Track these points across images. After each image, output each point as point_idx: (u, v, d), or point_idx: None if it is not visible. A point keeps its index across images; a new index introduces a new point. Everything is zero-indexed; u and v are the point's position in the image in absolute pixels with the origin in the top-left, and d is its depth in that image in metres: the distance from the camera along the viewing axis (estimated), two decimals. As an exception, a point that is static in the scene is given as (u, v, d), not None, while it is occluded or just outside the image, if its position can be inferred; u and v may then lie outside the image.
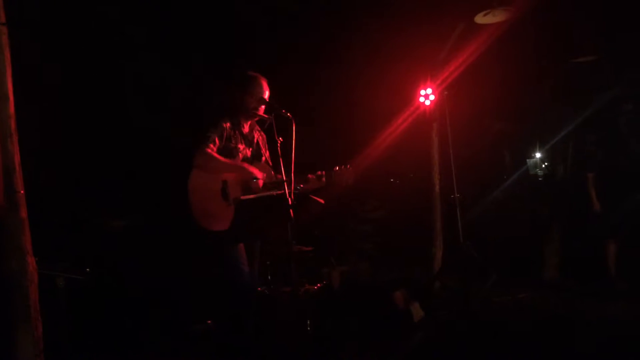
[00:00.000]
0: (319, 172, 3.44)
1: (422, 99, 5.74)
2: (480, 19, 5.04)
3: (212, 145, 3.24)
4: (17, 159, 2.60)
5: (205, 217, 3.20)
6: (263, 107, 3.42)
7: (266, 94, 3.46)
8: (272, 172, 3.44)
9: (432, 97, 5.69)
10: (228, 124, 3.37)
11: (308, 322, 3.78)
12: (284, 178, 3.04)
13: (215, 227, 3.19)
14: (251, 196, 3.28)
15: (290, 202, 2.96)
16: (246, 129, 3.52)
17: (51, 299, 3.19)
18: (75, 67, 4.67)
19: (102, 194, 4.97)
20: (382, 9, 5.25)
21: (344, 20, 5.53)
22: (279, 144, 3.12)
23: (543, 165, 8.88)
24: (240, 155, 3.44)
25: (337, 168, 3.43)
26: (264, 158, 3.55)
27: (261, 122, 3.57)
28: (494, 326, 4.41)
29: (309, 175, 3.41)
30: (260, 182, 3.30)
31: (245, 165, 3.33)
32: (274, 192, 3.27)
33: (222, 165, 3.24)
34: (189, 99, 5.35)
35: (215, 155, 3.24)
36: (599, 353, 3.64)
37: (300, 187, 3.50)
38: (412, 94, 5.84)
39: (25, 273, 2.59)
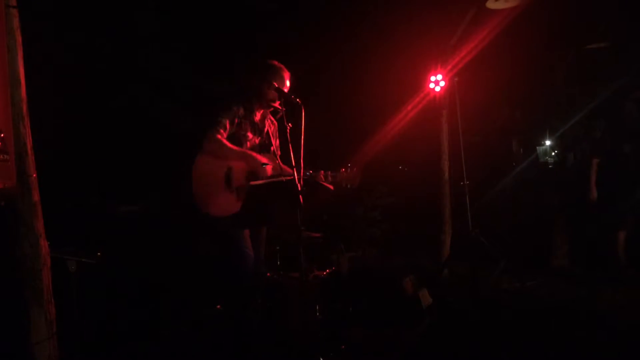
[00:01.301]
0: (324, 172, 3.43)
1: (432, 85, 5.70)
2: (492, 4, 4.98)
3: (222, 131, 3.25)
4: (29, 142, 2.61)
5: (204, 201, 3.22)
6: (282, 98, 3.32)
7: (287, 85, 3.43)
8: (280, 163, 3.43)
9: (442, 84, 5.65)
10: (241, 110, 3.36)
11: (317, 308, 3.80)
12: (293, 164, 3.05)
13: (213, 212, 3.21)
14: (260, 182, 3.28)
15: (299, 188, 2.97)
16: (258, 117, 3.51)
17: (63, 282, 3.23)
18: (87, 52, 4.68)
19: (113, 178, 5.00)
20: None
21: (354, 6, 5.50)
22: (288, 130, 3.12)
23: (553, 153, 8.81)
24: (248, 143, 3.44)
25: (344, 170, 3.44)
26: (272, 148, 3.54)
27: (274, 112, 3.57)
28: (502, 313, 4.42)
29: (315, 176, 3.40)
30: (269, 168, 3.29)
31: (254, 153, 3.32)
32: (283, 178, 3.28)
33: (230, 152, 3.24)
34: (197, 86, 5.36)
35: (225, 141, 3.24)
36: (606, 340, 3.63)
37: (309, 173, 3.51)
38: (422, 80, 5.80)
39: (39, 256, 2.62)
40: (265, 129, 3.58)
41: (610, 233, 5.32)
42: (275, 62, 3.46)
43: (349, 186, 3.45)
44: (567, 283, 5.18)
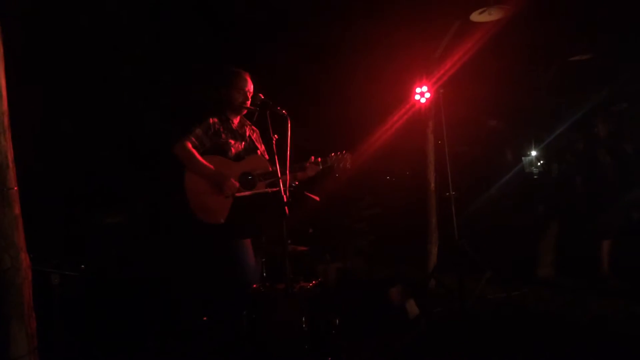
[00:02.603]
0: (314, 158, 3.52)
1: (417, 97, 5.74)
2: (476, 17, 5.03)
3: (193, 139, 3.26)
4: (10, 155, 2.59)
5: (203, 210, 3.22)
6: (249, 100, 3.46)
7: (251, 87, 3.50)
8: (268, 165, 3.45)
9: (427, 95, 5.69)
10: (215, 120, 3.39)
11: (303, 319, 3.77)
12: (280, 176, 3.06)
13: (213, 220, 3.21)
14: (246, 193, 3.28)
15: (285, 199, 2.97)
16: (235, 124, 3.53)
17: (45, 295, 3.18)
18: (69, 63, 4.65)
19: (97, 190, 4.96)
20: (378, 6, 5.24)
21: (339, 18, 5.53)
22: (274, 141, 3.12)
23: (538, 163, 8.89)
24: (232, 149, 3.44)
25: (333, 154, 3.54)
26: (259, 152, 3.56)
27: (250, 116, 3.59)
28: (489, 323, 4.43)
29: (306, 163, 3.45)
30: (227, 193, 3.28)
31: (217, 172, 3.28)
32: (269, 190, 3.28)
33: (195, 164, 3.24)
34: (184, 96, 5.35)
35: (194, 153, 3.25)
36: (590, 350, 3.65)
37: (295, 184, 3.52)
38: (408, 92, 5.84)
39: (19, 270, 2.58)
40: (247, 134, 3.59)
41: (594, 243, 5.37)
42: (233, 67, 3.54)
43: (342, 169, 3.54)
44: (552, 293, 5.20)
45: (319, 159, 3.53)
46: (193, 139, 3.27)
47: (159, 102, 5.32)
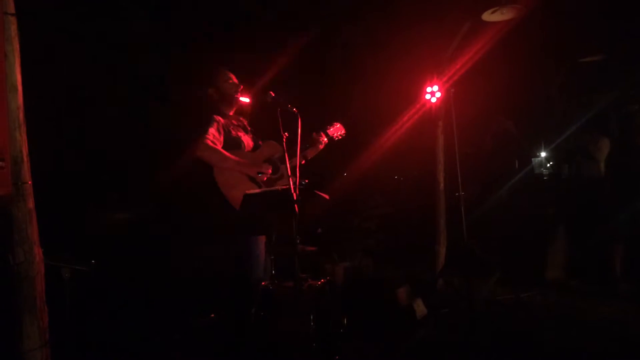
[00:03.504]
0: (315, 134, 3.70)
1: (428, 97, 5.72)
2: (487, 16, 5.01)
3: (209, 137, 3.27)
4: (25, 149, 2.61)
5: (239, 198, 3.22)
6: (240, 88, 3.54)
7: (235, 79, 3.58)
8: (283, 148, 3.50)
9: (438, 95, 5.67)
10: (219, 117, 3.41)
11: (311, 318, 3.78)
12: (289, 173, 3.06)
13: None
14: (256, 190, 3.29)
15: (295, 197, 2.98)
16: (234, 120, 3.57)
17: (57, 289, 3.21)
18: (84, 59, 4.69)
19: (108, 186, 4.99)
20: (389, 6, 5.24)
21: (350, 17, 5.53)
22: (284, 139, 3.13)
23: (548, 165, 8.84)
24: (244, 142, 3.47)
25: (329, 126, 3.82)
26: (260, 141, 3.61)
27: (243, 113, 3.64)
28: (497, 324, 4.41)
29: (314, 137, 3.64)
30: (265, 177, 3.34)
31: (248, 161, 3.34)
32: (279, 188, 3.29)
33: (226, 160, 3.25)
34: (190, 95, 5.38)
35: (219, 148, 3.26)
36: (599, 354, 3.63)
37: (305, 182, 3.53)
38: (418, 91, 5.82)
39: (32, 263, 2.60)
40: (246, 125, 3.64)
41: (606, 246, 5.34)
42: (212, 65, 3.63)
43: (339, 137, 3.87)
44: (561, 295, 5.18)
45: (321, 133, 3.73)
46: (211, 137, 3.28)
47: (168, 100, 5.34)
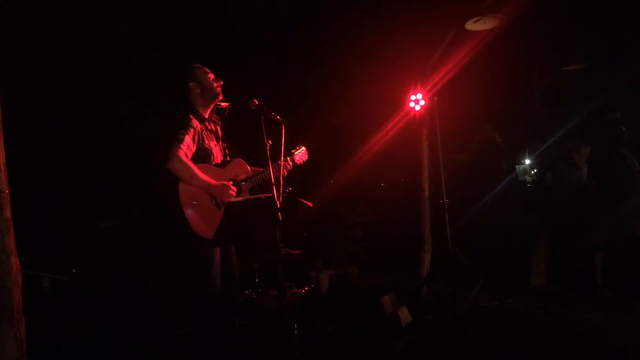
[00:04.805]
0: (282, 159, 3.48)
1: (412, 104, 5.75)
2: (470, 25, 5.06)
3: (183, 147, 3.11)
4: (2, 158, 2.58)
5: (201, 226, 3.14)
6: (221, 83, 3.41)
7: (212, 75, 3.45)
8: (248, 169, 3.45)
9: (422, 103, 5.71)
10: (195, 121, 3.30)
11: (295, 326, 3.77)
12: (273, 181, 3.05)
13: (208, 234, 3.16)
14: (239, 198, 3.27)
15: (278, 205, 2.96)
16: (210, 125, 3.47)
17: (36, 299, 3.16)
18: (64, 68, 4.64)
19: (89, 195, 4.94)
20: (373, 14, 5.27)
21: (334, 26, 5.55)
22: (268, 147, 3.12)
23: (532, 172, 8.93)
24: (213, 154, 3.36)
25: (294, 151, 3.73)
26: (227, 150, 3.53)
27: (220, 112, 3.55)
28: (481, 331, 4.42)
29: (279, 162, 3.40)
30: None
31: (215, 183, 3.20)
32: (262, 196, 3.27)
33: (194, 178, 3.12)
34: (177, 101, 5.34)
35: (189, 162, 3.14)
36: None
37: (288, 190, 3.52)
38: (402, 99, 5.86)
39: (9, 274, 2.56)
40: (220, 134, 3.54)
41: (588, 252, 5.39)
42: (188, 63, 3.48)
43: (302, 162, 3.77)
44: (544, 302, 5.21)
45: (288, 159, 3.63)
46: (184, 148, 3.12)
47: (153, 108, 5.31)
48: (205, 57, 5.36)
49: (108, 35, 4.89)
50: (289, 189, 3.54)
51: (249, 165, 3.50)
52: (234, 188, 3.24)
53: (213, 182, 3.18)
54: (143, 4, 4.94)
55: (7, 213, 2.58)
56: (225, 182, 3.23)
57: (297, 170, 3.74)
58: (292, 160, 3.68)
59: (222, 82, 3.42)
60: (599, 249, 5.35)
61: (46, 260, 3.52)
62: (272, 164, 3.24)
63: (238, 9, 5.24)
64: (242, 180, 3.39)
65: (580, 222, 5.58)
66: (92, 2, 4.58)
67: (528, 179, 9.02)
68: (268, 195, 3.07)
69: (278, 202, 2.98)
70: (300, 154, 3.76)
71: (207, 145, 3.31)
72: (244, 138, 3.64)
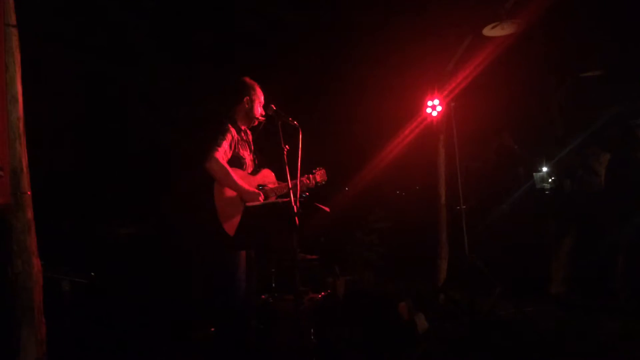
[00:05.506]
0: (307, 176, 3.74)
1: (429, 110, 5.74)
2: (488, 31, 5.04)
3: (220, 150, 3.24)
4: (24, 160, 2.62)
5: (228, 221, 3.21)
6: (262, 113, 3.53)
7: (262, 99, 3.59)
8: (276, 179, 3.52)
9: (439, 109, 5.69)
10: (233, 131, 3.40)
11: (312, 332, 3.76)
12: (290, 186, 3.07)
13: (230, 232, 3.21)
14: (256, 203, 3.29)
15: (295, 210, 2.97)
16: (245, 136, 3.56)
17: (56, 302, 3.19)
18: (87, 73, 4.72)
19: (110, 201, 4.99)
20: (390, 20, 5.28)
21: (352, 33, 5.57)
22: (285, 152, 3.14)
23: (550, 179, 8.82)
24: (246, 162, 3.47)
25: (315, 171, 3.81)
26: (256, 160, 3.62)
27: (254, 128, 3.64)
28: (498, 339, 4.37)
29: (302, 179, 3.64)
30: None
31: (250, 188, 3.34)
32: (280, 200, 3.29)
33: (229, 179, 3.24)
34: (195, 111, 5.40)
35: (227, 166, 3.23)
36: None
37: (305, 195, 3.54)
38: (419, 105, 5.84)
39: (30, 274, 2.59)
40: (252, 145, 3.64)
41: (608, 260, 5.30)
42: (250, 79, 3.60)
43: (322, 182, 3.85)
44: (564, 310, 5.13)
45: (310, 176, 3.76)
46: (221, 152, 3.24)
47: (172, 115, 5.37)
48: (225, 66, 5.46)
49: (128, 44, 4.96)
50: (306, 194, 3.55)
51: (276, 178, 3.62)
52: (263, 195, 3.34)
53: (246, 186, 3.29)
54: (163, 16, 5.01)
55: (29, 214, 2.61)
56: (256, 190, 3.35)
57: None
58: (314, 178, 3.77)
59: (262, 112, 3.50)
60: (619, 256, 5.26)
61: (66, 263, 3.56)
62: (296, 179, 3.30)
63: (257, 20, 5.29)
64: (272, 190, 3.47)
65: (600, 229, 5.50)
66: (118, 15, 4.66)
67: (546, 186, 8.91)
68: (285, 199, 3.09)
69: (295, 206, 2.99)
70: (320, 174, 3.85)
71: (241, 154, 3.42)
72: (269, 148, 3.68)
